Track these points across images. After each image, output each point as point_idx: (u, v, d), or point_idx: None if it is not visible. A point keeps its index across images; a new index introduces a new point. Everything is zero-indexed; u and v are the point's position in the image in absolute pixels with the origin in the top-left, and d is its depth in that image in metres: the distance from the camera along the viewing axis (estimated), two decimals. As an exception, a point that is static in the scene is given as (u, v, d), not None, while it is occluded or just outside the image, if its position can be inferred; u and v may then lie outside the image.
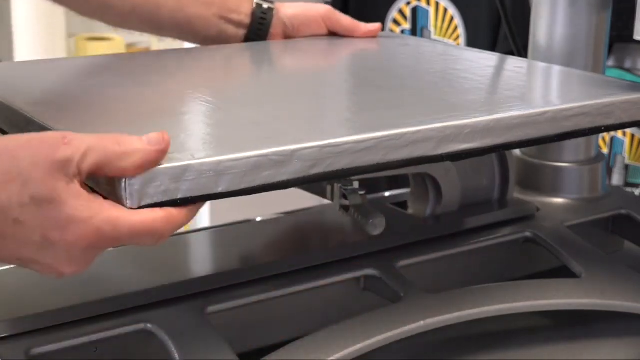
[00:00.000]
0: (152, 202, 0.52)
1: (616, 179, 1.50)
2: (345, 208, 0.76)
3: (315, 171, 0.57)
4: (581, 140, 0.92)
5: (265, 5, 0.94)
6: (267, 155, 0.55)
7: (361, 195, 0.76)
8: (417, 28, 1.70)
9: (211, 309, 0.65)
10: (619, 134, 1.50)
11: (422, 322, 0.66)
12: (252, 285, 0.68)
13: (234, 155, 0.55)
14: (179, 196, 0.53)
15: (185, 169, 0.53)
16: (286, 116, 0.65)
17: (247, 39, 0.94)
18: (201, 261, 0.79)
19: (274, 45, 0.93)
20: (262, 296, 0.68)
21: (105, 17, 0.93)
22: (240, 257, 0.75)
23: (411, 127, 0.61)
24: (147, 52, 0.95)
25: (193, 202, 0.54)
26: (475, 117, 0.64)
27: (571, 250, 0.78)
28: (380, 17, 1.72)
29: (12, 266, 0.70)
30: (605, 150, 1.51)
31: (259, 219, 0.83)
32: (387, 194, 0.88)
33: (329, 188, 0.77)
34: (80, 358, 0.61)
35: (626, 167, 1.50)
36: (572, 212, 0.87)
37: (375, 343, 0.64)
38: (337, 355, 0.62)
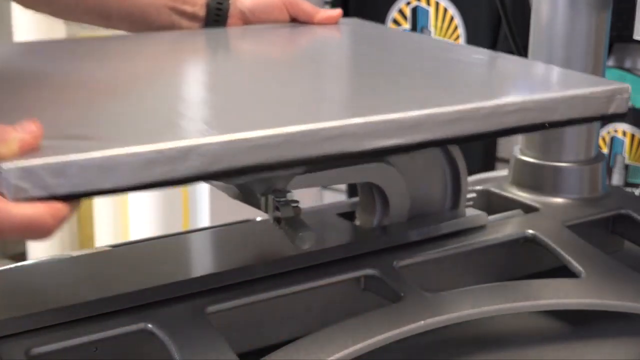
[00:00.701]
0: (30, 196, 0.49)
1: (616, 179, 1.51)
2: (277, 220, 0.71)
3: (216, 168, 0.54)
4: (581, 140, 0.92)
5: None
6: (162, 150, 0.52)
7: (294, 207, 0.71)
8: (417, 28, 1.70)
9: (211, 309, 0.65)
10: (618, 134, 1.50)
11: (422, 322, 0.66)
12: (252, 285, 0.68)
13: (123, 150, 0.52)
14: (62, 192, 0.50)
15: (66, 164, 0.50)
16: (201, 108, 0.62)
17: None
18: (201, 261, 0.79)
19: (227, 32, 0.90)
20: (262, 296, 0.68)
21: (50, 9, 0.89)
22: (240, 257, 0.75)
23: (328, 122, 0.57)
24: (99, 38, 0.90)
25: (77, 197, 0.51)
26: (404, 111, 0.60)
27: (571, 250, 0.78)
28: (381, 17, 1.72)
29: (12, 266, 0.70)
30: (605, 150, 1.51)
31: (259, 218, 0.82)
32: (338, 202, 0.85)
33: (262, 199, 0.73)
34: (80, 358, 0.61)
35: (626, 167, 1.50)
36: (572, 212, 0.87)
37: (375, 343, 0.64)
38: (337, 355, 0.62)
